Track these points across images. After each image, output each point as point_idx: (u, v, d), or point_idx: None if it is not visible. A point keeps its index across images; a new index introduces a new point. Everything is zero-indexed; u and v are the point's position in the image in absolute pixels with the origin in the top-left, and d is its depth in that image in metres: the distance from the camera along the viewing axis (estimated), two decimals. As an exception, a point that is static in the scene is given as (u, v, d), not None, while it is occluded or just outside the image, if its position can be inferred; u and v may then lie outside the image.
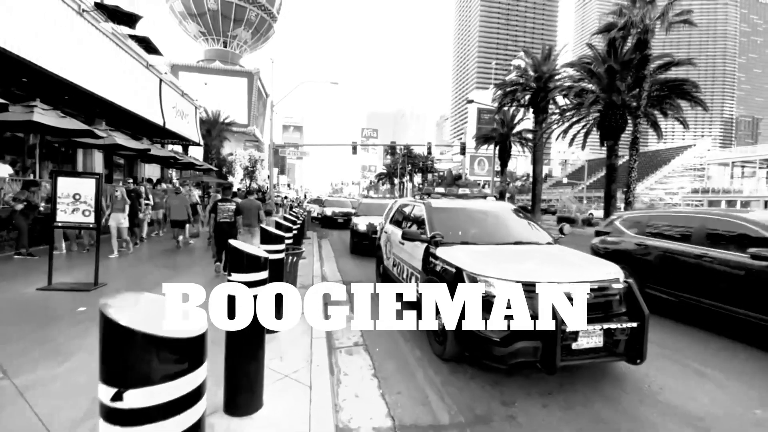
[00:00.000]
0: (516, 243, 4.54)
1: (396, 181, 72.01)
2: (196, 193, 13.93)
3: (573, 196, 60.27)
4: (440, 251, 4.20)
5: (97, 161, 17.02)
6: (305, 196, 43.95)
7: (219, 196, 8.18)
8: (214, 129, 28.09)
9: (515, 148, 32.15)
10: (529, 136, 30.27)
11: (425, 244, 4.60)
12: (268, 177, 30.80)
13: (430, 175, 75.61)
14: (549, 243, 4.67)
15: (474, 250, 4.13)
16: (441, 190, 6.06)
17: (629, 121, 19.78)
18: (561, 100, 26.37)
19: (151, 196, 9.60)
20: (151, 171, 22.35)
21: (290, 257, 5.16)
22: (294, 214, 11.65)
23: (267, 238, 4.79)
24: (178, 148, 28.49)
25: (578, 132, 23.21)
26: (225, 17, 63.73)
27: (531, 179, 38.21)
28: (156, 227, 12.56)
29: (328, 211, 19.92)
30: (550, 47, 25.20)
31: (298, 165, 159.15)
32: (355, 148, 29.85)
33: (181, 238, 10.51)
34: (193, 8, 62.06)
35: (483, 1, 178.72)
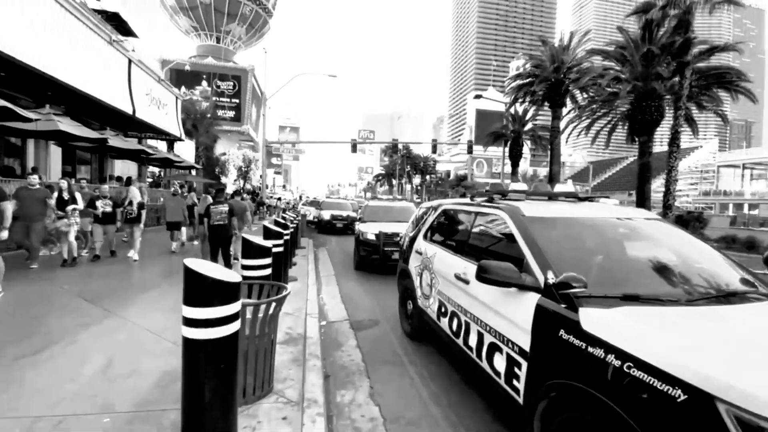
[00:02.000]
0: (720, 296, 2.19)
1: (395, 182, 69.66)
2: (193, 195, 11.54)
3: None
4: (595, 321, 1.86)
5: (54, 156, 14.57)
6: (300, 197, 41.54)
7: (210, 198, 8.27)
8: (201, 124, 25.66)
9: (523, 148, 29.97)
10: (543, 133, 28.04)
11: (537, 297, 2.25)
12: (261, 177, 28.40)
13: (428, 177, 73.42)
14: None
15: (687, 324, 1.79)
16: (520, 185, 3.69)
17: (665, 115, 17.60)
18: (579, 96, 24.21)
19: (79, 199, 7.20)
20: (126, 169, 19.85)
21: (267, 307, 2.79)
22: (286, 218, 9.30)
23: (250, 249, 3.52)
24: (162, 146, 26.13)
25: (602, 128, 20.98)
26: (218, 11, 61.32)
27: (538, 181, 36.05)
28: (82, 241, 8.41)
29: (326, 215, 17.53)
30: (571, 33, 22.96)
31: (294, 166, 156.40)
32: (354, 146, 27.55)
33: (177, 241, 10.19)
34: (184, 1, 59.58)
35: (481, 2, 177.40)
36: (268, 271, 3.62)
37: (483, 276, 2.40)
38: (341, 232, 17.39)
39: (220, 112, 54.81)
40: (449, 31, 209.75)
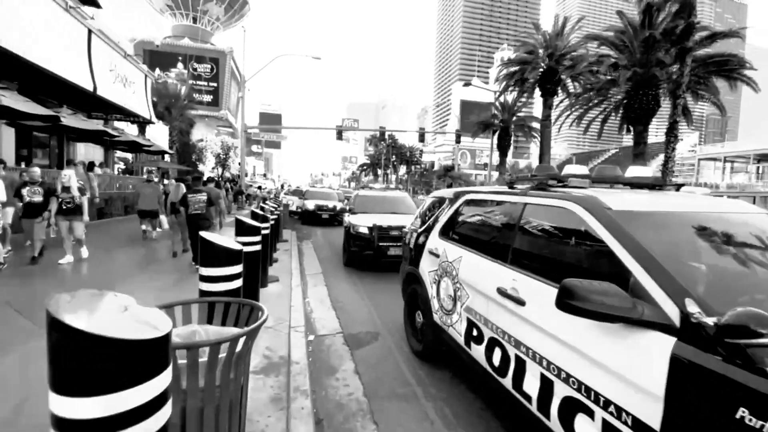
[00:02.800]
0: None
1: (380, 172, 68.58)
2: (171, 183, 10.13)
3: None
4: None
5: (7, 137, 13.05)
6: (282, 186, 40.06)
7: (183, 186, 8.09)
8: (175, 107, 23.95)
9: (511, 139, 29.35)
10: (534, 124, 27.45)
11: (671, 342, 1.40)
12: (240, 164, 26.99)
13: (414, 167, 72.58)
14: None
15: None
16: (577, 168, 2.80)
17: (660, 104, 17.13)
18: (570, 86, 23.63)
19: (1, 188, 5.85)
20: (91, 154, 18.23)
21: (233, 344, 1.82)
22: (265, 208, 8.27)
23: (210, 254, 2.60)
24: (133, 130, 24.36)
25: (596, 117, 20.45)
26: (195, -11, 58.27)
27: (526, 171, 35.56)
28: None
29: (310, 205, 16.47)
30: (564, 19, 22.21)
31: (275, 155, 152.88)
32: (340, 133, 26.37)
33: (149, 228, 9.85)
34: (158, -23, 56.36)
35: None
36: (236, 284, 2.64)
37: (571, 304, 1.52)
38: (327, 224, 16.39)
39: (197, 96, 52.23)
40: (434, 20, 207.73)
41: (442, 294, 3.18)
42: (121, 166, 24.74)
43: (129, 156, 24.88)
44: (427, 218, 4.07)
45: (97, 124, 12.78)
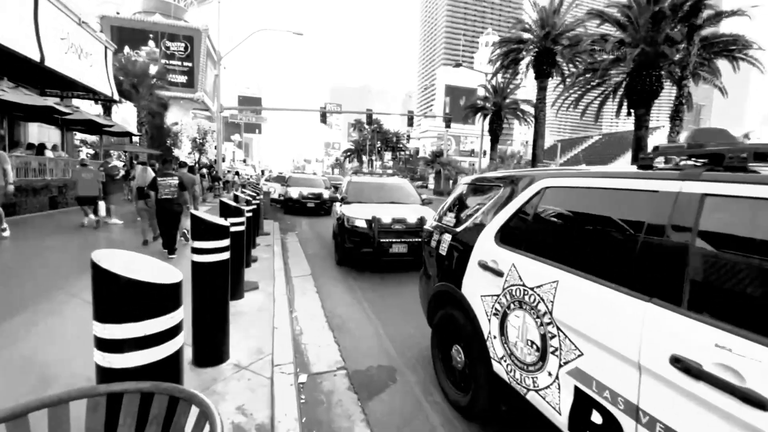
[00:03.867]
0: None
1: (365, 158, 66.94)
2: (146, 169, 8.58)
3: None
4: None
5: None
6: (262, 172, 38.17)
7: (150, 170, 7.77)
8: (142, 85, 21.85)
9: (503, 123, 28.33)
10: (526, 108, 26.47)
11: None
12: (216, 148, 25.23)
13: (399, 154, 71.19)
14: None
15: None
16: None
17: (663, 86, 16.33)
18: (565, 67, 22.64)
19: None
20: (46, 136, 16.29)
21: None
22: (242, 197, 6.97)
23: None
24: (98, 110, 22.25)
25: (594, 99, 19.58)
26: (166, -39, 54.51)
27: (518, 157, 34.85)
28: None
29: (294, 193, 15.10)
30: (562, -5, 21.08)
31: (255, 141, 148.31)
32: (324, 116, 24.83)
33: (92, 216, 9.16)
34: (125, -53, 52.34)
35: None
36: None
37: None
38: (313, 213, 15.09)
39: (170, 77, 49.43)
40: (419, 4, 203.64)
41: (514, 336, 2.04)
42: (89, 150, 22.63)
43: (94, 139, 22.79)
44: (463, 212, 2.92)
45: (45, 101, 11.01)
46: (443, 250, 2.93)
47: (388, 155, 70.45)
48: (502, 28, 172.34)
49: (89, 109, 22.33)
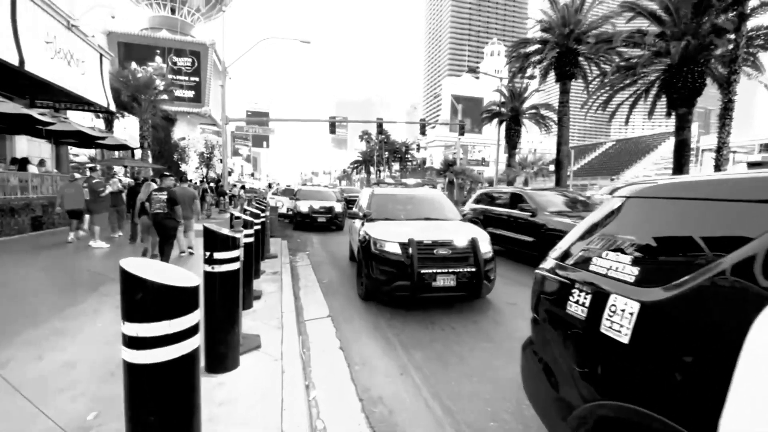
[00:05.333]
0: None
1: (372, 169, 65.85)
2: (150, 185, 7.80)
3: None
4: None
5: None
6: (270, 185, 36.97)
7: (153, 185, 7.60)
8: (144, 96, 20.90)
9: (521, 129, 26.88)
10: (546, 113, 25.03)
11: None
12: (221, 161, 24.15)
13: (408, 164, 69.96)
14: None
15: None
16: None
17: (706, 82, 14.80)
18: (587, 68, 21.25)
19: None
20: (37, 150, 15.22)
21: None
22: (243, 217, 5.59)
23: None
24: (99, 124, 21.32)
25: (623, 101, 18.08)
26: (172, -22, 54.78)
27: (539, 163, 33.22)
28: None
29: (304, 207, 13.75)
30: (585, -7, 19.74)
31: (263, 155, 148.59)
32: (333, 125, 23.65)
33: (80, 232, 9.02)
34: (132, -36, 52.75)
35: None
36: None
37: None
38: (324, 228, 13.70)
39: (178, 92, 49.13)
40: (422, 16, 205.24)
41: None
42: (83, 164, 21.62)
43: (92, 153, 21.81)
44: (669, 254, 1.45)
45: (19, 109, 9.85)
46: (618, 329, 1.45)
47: (395, 166, 69.26)
48: (507, 37, 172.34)
49: (90, 122, 21.45)
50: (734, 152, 51.28)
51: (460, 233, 5.01)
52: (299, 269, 7.40)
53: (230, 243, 2.94)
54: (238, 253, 3.00)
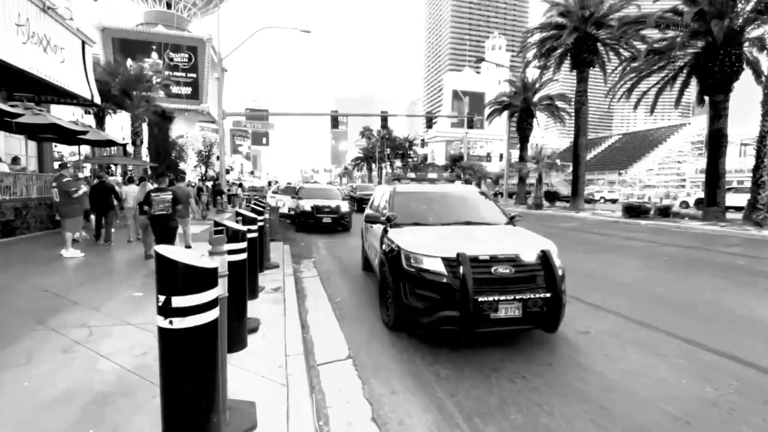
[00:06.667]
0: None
1: (374, 165, 64.60)
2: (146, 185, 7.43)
3: (563, 179, 55.05)
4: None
5: None
6: (270, 183, 35.70)
7: (149, 185, 8.09)
8: (136, 89, 19.64)
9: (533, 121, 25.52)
10: (560, 104, 23.73)
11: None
12: (218, 158, 23.00)
13: (409, 160, 68.63)
14: None
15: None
16: None
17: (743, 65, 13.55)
18: (604, 55, 19.95)
19: None
20: (17, 147, 14.05)
21: None
22: (242, 215, 4.42)
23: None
24: (89, 121, 20.20)
25: (654, 85, 16.73)
26: (168, -29, 53.36)
27: (554, 156, 31.69)
28: None
29: (307, 206, 12.55)
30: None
31: (264, 152, 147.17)
32: (335, 119, 22.45)
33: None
34: (126, -42, 51.36)
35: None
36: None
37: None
38: (329, 230, 12.52)
39: (175, 89, 47.86)
40: (422, 11, 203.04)
41: None
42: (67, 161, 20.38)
43: (79, 150, 20.60)
44: None
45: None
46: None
47: (397, 162, 67.98)
48: (508, 31, 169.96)
49: (81, 119, 20.24)
50: (746, 145, 49.87)
51: (523, 243, 3.80)
52: (305, 282, 6.21)
53: (201, 280, 1.76)
54: (213, 294, 1.80)
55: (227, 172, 36.66)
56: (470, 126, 25.44)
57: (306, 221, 12.46)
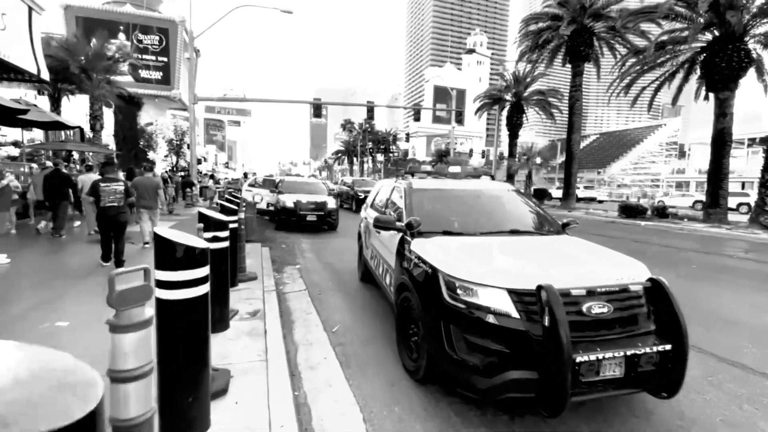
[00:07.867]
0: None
1: (355, 159, 63.11)
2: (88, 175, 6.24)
3: (542, 176, 55.30)
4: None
5: None
6: (245, 175, 33.64)
7: (93, 176, 7.77)
8: (95, 67, 17.58)
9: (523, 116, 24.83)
10: (553, 100, 23.05)
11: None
12: (188, 147, 21.22)
13: (391, 155, 67.51)
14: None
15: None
16: None
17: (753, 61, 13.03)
18: (598, 50, 19.33)
19: None
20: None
21: None
22: (207, 217, 3.16)
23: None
24: (43, 103, 18.04)
25: (649, 84, 16.21)
26: (136, -54, 49.85)
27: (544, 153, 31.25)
28: None
29: (288, 201, 11.18)
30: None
31: (240, 144, 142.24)
32: (318, 108, 21.02)
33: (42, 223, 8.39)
34: (89, -71, 47.54)
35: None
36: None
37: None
38: (314, 228, 11.23)
39: (144, 73, 44.92)
40: (405, 5, 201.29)
41: None
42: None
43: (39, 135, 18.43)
44: None
45: None
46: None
47: (380, 156, 66.77)
48: (488, 29, 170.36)
49: (34, 101, 18.00)
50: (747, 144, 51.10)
51: (611, 267, 2.69)
52: (291, 301, 4.95)
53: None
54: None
55: (199, 162, 34.47)
56: (458, 120, 24.53)
57: (288, 219, 11.10)
